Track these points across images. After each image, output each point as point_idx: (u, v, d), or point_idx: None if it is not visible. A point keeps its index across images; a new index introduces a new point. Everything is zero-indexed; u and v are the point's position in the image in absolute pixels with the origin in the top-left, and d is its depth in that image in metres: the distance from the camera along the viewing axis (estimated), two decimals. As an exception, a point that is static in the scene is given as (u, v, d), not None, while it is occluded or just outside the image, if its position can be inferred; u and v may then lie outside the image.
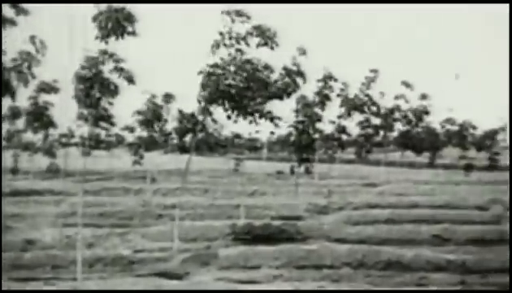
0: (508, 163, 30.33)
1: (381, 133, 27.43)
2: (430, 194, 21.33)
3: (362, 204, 19.54)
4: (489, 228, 16.94)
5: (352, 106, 23.23)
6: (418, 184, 23.72)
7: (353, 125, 24.89)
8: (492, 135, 32.62)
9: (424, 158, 32.18)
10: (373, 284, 12.93)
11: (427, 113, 28.93)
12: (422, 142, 29.11)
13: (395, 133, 29.08)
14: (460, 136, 30.65)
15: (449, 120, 31.16)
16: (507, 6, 11.98)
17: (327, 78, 19.88)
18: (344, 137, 23.66)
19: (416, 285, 12.90)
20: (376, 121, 26.73)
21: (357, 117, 24.88)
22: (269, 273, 13.21)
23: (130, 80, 12.10)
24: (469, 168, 27.09)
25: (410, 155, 32.37)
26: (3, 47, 11.02)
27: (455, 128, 31.15)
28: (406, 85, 27.87)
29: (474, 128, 31.53)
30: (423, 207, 19.09)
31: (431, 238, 16.22)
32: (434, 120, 30.21)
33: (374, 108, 24.69)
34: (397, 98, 28.07)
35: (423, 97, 28.75)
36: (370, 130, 26.39)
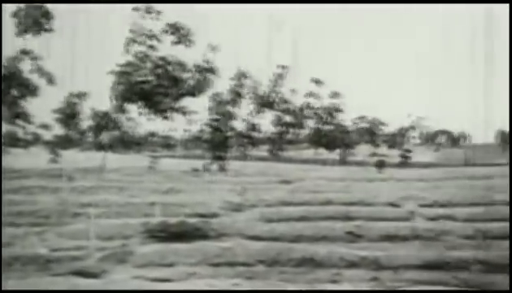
0: (419, 159, 31.17)
1: (293, 130, 27.77)
2: (343, 191, 21.64)
3: (275, 202, 19.71)
4: (401, 224, 17.32)
5: (262, 103, 23.52)
6: (331, 181, 24.02)
7: (267, 123, 25.17)
8: (403, 132, 33.37)
9: (337, 155, 32.67)
10: (287, 281, 13.21)
11: (339, 111, 29.42)
12: (334, 139, 29.57)
13: (307, 131, 29.46)
14: (371, 133, 31.22)
15: (361, 118, 31.73)
16: (507, 6, 12.34)
17: (240, 76, 20.11)
18: (255, 134, 23.92)
19: (330, 281, 13.21)
20: (288, 119, 27.06)
21: (271, 115, 25.19)
22: (184, 271, 13.38)
23: (50, 80, 12.14)
24: (381, 165, 27.57)
25: (322, 153, 32.75)
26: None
27: (366, 125, 31.71)
28: (316, 82, 28.26)
29: (384, 125, 32.17)
30: (336, 204, 19.36)
31: (344, 235, 16.54)
32: (346, 118, 30.73)
33: (284, 106, 25.01)
34: (307, 95, 28.43)
35: (335, 95, 29.23)
36: (281, 128, 26.71)
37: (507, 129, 45.51)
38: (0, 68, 11.29)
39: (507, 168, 28.22)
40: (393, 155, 31.02)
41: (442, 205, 19.31)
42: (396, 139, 32.34)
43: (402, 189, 21.84)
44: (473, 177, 25.00)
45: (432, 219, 18.01)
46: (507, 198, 19.34)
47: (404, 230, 16.80)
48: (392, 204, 19.61)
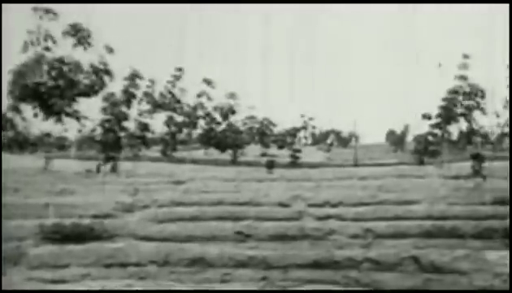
0: (309, 159, 32.01)
1: (185, 130, 28.10)
2: (233, 191, 21.89)
3: (167, 202, 19.84)
4: (291, 224, 17.78)
5: (156, 104, 23.91)
6: (222, 181, 24.24)
7: (160, 123, 25.46)
8: (293, 132, 34.16)
9: (228, 155, 33.06)
10: (177, 281, 13.65)
11: (233, 112, 29.90)
12: (225, 139, 30.02)
13: (199, 131, 29.79)
14: (261, 133, 31.80)
15: (251, 118, 32.28)
16: (507, 6, 12.95)
17: (134, 76, 20.43)
18: (148, 134, 24.23)
19: (220, 281, 13.72)
20: (180, 119, 27.39)
21: (164, 115, 25.52)
22: (77, 272, 13.61)
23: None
24: (271, 165, 28.16)
25: (213, 153, 33.12)
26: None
27: (256, 125, 32.24)
28: (208, 82, 28.68)
29: (273, 125, 32.86)
30: (226, 205, 19.60)
31: (234, 235, 16.94)
32: (238, 119, 31.20)
33: (178, 106, 25.40)
34: (199, 96, 28.80)
35: (231, 96, 29.71)
36: (174, 128, 27.02)
37: (397, 128, 47.01)
38: (0, 69, 11.51)
39: (396, 168, 29.31)
40: (284, 155, 31.68)
41: (331, 205, 19.81)
42: (286, 139, 33.05)
43: (292, 189, 22.16)
44: (362, 176, 25.71)
45: (321, 218, 18.42)
46: (396, 197, 20.24)
47: (293, 230, 17.24)
48: (282, 204, 19.79)
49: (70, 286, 12.92)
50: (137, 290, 13.36)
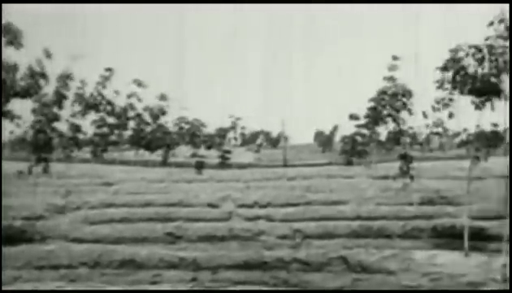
0: (238, 160, 32.23)
1: (116, 132, 27.99)
2: (163, 192, 21.94)
3: (98, 203, 19.87)
4: (220, 225, 18.04)
5: (87, 105, 23.90)
6: (152, 182, 24.23)
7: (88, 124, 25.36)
8: (222, 133, 34.29)
9: (158, 156, 32.96)
10: (108, 283, 13.74)
11: (163, 113, 29.87)
12: (155, 140, 29.98)
13: (129, 132, 29.65)
14: (191, 134, 31.82)
15: (182, 119, 32.28)
16: (507, 6, 13.14)
17: (65, 77, 20.42)
18: (80, 136, 24.18)
19: (150, 283, 13.85)
20: (111, 120, 27.29)
21: (95, 116, 25.43)
22: (10, 275, 13.64)
23: None
24: (200, 166, 28.24)
25: (144, 154, 32.98)
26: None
27: (187, 126, 32.26)
28: (138, 83, 28.63)
29: (204, 126, 32.92)
30: (156, 206, 19.71)
31: (164, 236, 17.13)
32: (168, 120, 31.14)
33: (109, 107, 25.38)
34: (129, 96, 28.72)
35: (162, 97, 29.69)
36: (105, 129, 26.93)
37: (326, 129, 47.48)
38: (0, 70, 11.45)
39: (325, 168, 29.70)
40: (213, 156, 31.74)
41: (260, 205, 20.03)
42: (215, 140, 33.16)
43: (221, 190, 22.32)
44: (291, 177, 25.97)
45: (250, 219, 18.74)
46: (324, 197, 20.59)
47: (222, 231, 17.50)
48: (211, 205, 20.03)
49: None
50: (138, 290, 13.51)
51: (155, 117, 29.51)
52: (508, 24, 13.46)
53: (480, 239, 15.69)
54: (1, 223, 16.74)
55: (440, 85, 14.65)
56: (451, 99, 15.20)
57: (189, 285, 13.63)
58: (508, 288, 12.07)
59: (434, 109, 15.87)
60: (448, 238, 16.26)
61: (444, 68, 14.36)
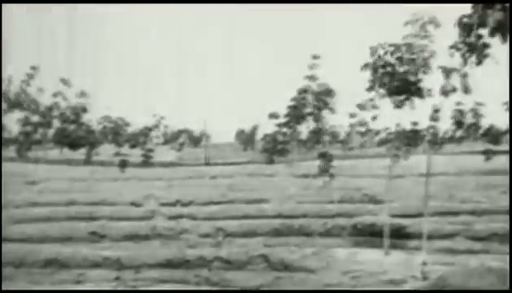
0: (161, 159, 31.90)
1: (40, 130, 27.50)
2: (87, 190, 21.78)
3: (23, 202, 19.59)
4: (143, 223, 17.90)
5: (10, 103, 23.34)
6: (75, 181, 23.99)
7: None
8: (146, 132, 33.90)
9: (82, 155, 32.53)
10: (33, 282, 13.46)
11: (85, 111, 29.43)
12: (78, 139, 29.53)
13: (53, 131, 29.16)
14: (115, 133, 31.41)
15: (105, 118, 31.83)
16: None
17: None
18: (5, 134, 23.62)
19: (74, 282, 13.58)
20: (36, 119, 26.81)
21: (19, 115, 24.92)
22: None
23: None
24: (123, 164, 27.89)
25: (68, 153, 32.51)
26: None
27: (111, 125, 31.83)
28: (64, 82, 28.17)
29: (128, 125, 32.49)
30: (80, 204, 19.53)
31: (88, 235, 16.93)
32: (92, 118, 30.70)
33: (33, 106, 24.87)
34: (55, 95, 28.25)
35: (82, 94, 29.23)
36: (29, 128, 26.44)
37: (247, 127, 47.41)
38: (0, 72, 10.84)
39: (246, 167, 29.60)
40: (137, 155, 31.45)
41: (183, 204, 19.96)
42: (138, 139, 32.79)
43: (144, 188, 22.35)
44: (213, 176, 25.87)
45: (173, 217, 18.64)
46: (246, 196, 20.51)
47: (145, 229, 17.37)
48: (134, 204, 20.04)
49: None
50: (137, 291, 13.21)
51: (77, 115, 29.05)
52: (423, 24, 13.42)
53: (400, 237, 15.82)
54: (1, 223, 16.75)
55: (371, 86, 14.57)
56: (372, 99, 15.16)
57: (113, 284, 13.34)
58: (508, 288, 11.88)
59: (361, 108, 15.81)
60: (368, 235, 16.40)
61: (366, 67, 14.27)
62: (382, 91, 14.46)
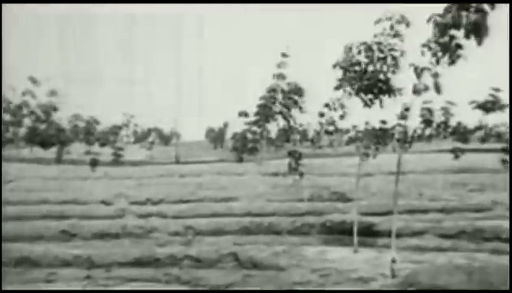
0: (131, 158, 31.82)
1: (11, 129, 27.32)
2: (58, 189, 21.64)
3: None
4: (113, 222, 17.81)
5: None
6: (46, 180, 23.92)
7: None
8: (116, 130, 33.72)
9: (53, 154, 32.38)
10: (5, 282, 13.32)
11: (55, 109, 29.24)
12: (49, 137, 29.34)
13: (24, 129, 28.99)
14: (86, 132, 31.24)
15: (76, 116, 31.65)
16: (507, 6, 12.70)
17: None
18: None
19: (45, 281, 13.45)
20: (7, 117, 26.63)
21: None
22: None
23: None
24: (94, 163, 27.77)
25: (40, 151, 32.34)
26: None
27: (81, 123, 31.65)
28: (33, 81, 27.97)
29: (98, 123, 32.30)
30: (51, 203, 19.42)
31: (59, 234, 16.79)
32: (63, 116, 30.51)
33: (4, 104, 24.70)
34: (24, 94, 28.05)
35: (53, 93, 29.03)
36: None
37: (216, 126, 47.45)
38: (0, 73, 10.61)
39: (216, 165, 29.62)
40: (107, 154, 31.34)
41: (153, 202, 19.94)
42: (109, 137, 32.61)
43: (114, 187, 22.25)
44: (183, 174, 25.85)
45: (143, 216, 18.59)
46: (215, 194, 20.49)
47: (116, 228, 17.28)
48: (105, 202, 19.96)
49: None
50: (138, 291, 13.05)
51: (47, 114, 28.87)
52: (394, 23, 13.43)
53: (369, 235, 15.85)
54: (1, 223, 16.58)
55: (339, 85, 14.57)
56: (348, 97, 15.18)
57: (83, 283, 13.24)
58: (507, 288, 11.83)
59: (329, 108, 15.82)
60: (338, 233, 16.43)
61: (337, 66, 14.27)
62: (349, 90, 14.46)
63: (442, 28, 11.67)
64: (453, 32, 11.69)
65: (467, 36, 11.42)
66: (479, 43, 11.44)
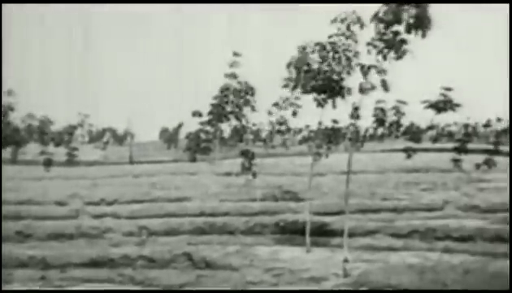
0: (86, 158, 31.59)
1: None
2: (13, 190, 21.33)
3: None
4: (68, 222, 17.61)
5: None
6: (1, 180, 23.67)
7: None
8: (70, 130, 33.52)
9: (8, 154, 32.04)
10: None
11: (12, 109, 28.93)
12: (4, 138, 29.02)
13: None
14: (40, 132, 31.00)
15: (30, 116, 31.37)
16: (507, 6, 12.56)
17: None
18: None
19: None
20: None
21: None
22: None
23: None
24: (48, 163, 27.54)
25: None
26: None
27: (35, 123, 31.40)
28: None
29: (51, 123, 32.05)
30: (6, 204, 19.00)
31: (14, 235, 16.52)
32: (17, 116, 30.25)
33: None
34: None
35: (10, 93, 28.71)
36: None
37: (170, 126, 47.20)
38: (0, 73, 10.26)
39: (169, 165, 29.50)
40: (62, 154, 31.06)
41: (107, 203, 19.79)
42: (63, 137, 32.39)
43: (69, 187, 21.96)
44: (137, 174, 25.73)
45: (98, 216, 18.45)
46: (169, 194, 20.41)
47: (70, 228, 17.03)
48: (59, 203, 19.70)
49: None
50: (138, 291, 12.93)
51: (4, 114, 28.57)
52: (348, 24, 13.44)
53: (322, 234, 15.84)
54: (1, 223, 16.43)
55: (287, 83, 14.55)
56: (297, 97, 15.19)
57: (38, 284, 13.07)
58: (507, 288, 11.72)
59: (279, 107, 15.82)
60: (290, 233, 16.38)
61: (290, 65, 14.24)
62: (299, 90, 14.46)
63: (384, 25, 11.76)
64: (395, 27, 11.79)
65: (409, 30, 11.54)
66: (423, 36, 11.57)
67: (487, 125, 44.04)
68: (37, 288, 12.98)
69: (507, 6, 14.10)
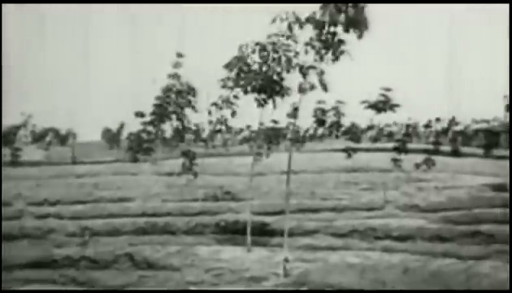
0: (29, 158, 31.08)
1: None
2: None
3: None
4: (12, 223, 17.29)
5: None
6: None
7: None
8: (14, 131, 32.96)
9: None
10: None
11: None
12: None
13: None
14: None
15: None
16: (507, 6, 12.30)
17: None
18: None
19: None
20: None
21: None
22: None
23: None
24: (-8, 163, 27.03)
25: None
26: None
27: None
28: None
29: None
30: None
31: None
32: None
33: None
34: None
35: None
36: None
37: (114, 126, 46.64)
38: (0, 72, 9.77)
39: (112, 165, 29.16)
40: (5, 154, 30.56)
41: (50, 203, 19.49)
42: (7, 137, 31.84)
43: (12, 187, 21.56)
44: (80, 174, 25.37)
45: (41, 217, 18.14)
46: (111, 195, 20.15)
47: (14, 229, 16.76)
48: (4, 203, 19.26)
49: None
50: (138, 290, 12.73)
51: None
52: (288, 23, 13.31)
53: (262, 234, 15.78)
54: (1, 223, 16.28)
55: (224, 84, 14.42)
56: (236, 96, 15.06)
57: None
58: (505, 288, 11.55)
59: (218, 107, 15.68)
60: (231, 233, 16.32)
61: (229, 66, 14.11)
62: (238, 89, 14.37)
63: (320, 25, 11.71)
64: (333, 28, 11.75)
65: (346, 30, 11.51)
66: (360, 36, 11.55)
67: (427, 126, 44.50)
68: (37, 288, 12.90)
69: (507, 6, 14.19)
